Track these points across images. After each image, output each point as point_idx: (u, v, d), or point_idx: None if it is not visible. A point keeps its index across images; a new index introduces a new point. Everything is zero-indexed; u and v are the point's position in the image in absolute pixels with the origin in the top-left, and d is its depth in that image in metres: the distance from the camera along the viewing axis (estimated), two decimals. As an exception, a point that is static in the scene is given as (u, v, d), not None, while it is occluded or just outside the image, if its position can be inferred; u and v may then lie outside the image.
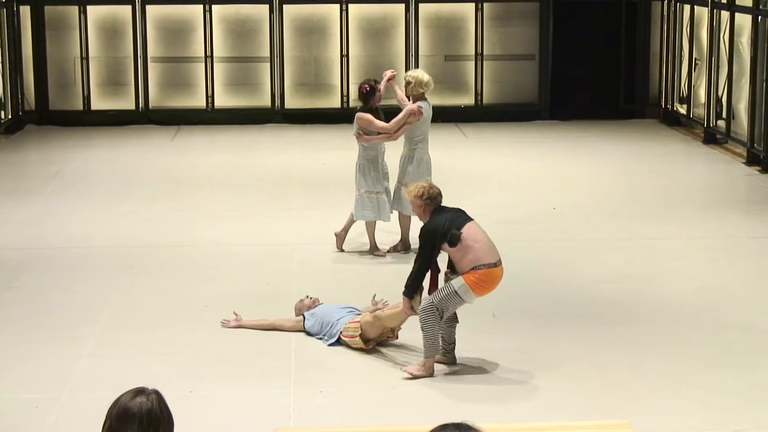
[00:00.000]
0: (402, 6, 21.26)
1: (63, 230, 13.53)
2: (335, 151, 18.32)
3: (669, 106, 21.11)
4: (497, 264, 8.84)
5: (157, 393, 4.55)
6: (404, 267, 11.91)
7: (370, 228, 12.54)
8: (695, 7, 19.83)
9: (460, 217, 8.96)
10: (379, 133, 12.29)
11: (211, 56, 21.12)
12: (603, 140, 19.46)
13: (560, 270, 11.83)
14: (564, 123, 21.11)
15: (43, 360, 9.31)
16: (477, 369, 9.09)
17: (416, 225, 12.55)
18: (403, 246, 12.59)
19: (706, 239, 13.23)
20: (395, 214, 12.60)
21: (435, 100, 14.30)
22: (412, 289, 9.01)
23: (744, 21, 17.71)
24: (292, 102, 21.41)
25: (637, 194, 15.40)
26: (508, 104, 21.69)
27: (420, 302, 8.98)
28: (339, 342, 9.47)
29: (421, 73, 12.48)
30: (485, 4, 21.37)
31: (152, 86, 21.16)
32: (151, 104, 21.20)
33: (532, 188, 15.74)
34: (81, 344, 9.60)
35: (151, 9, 21.02)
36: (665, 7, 21.11)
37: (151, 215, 14.22)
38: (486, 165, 17.51)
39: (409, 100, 12.47)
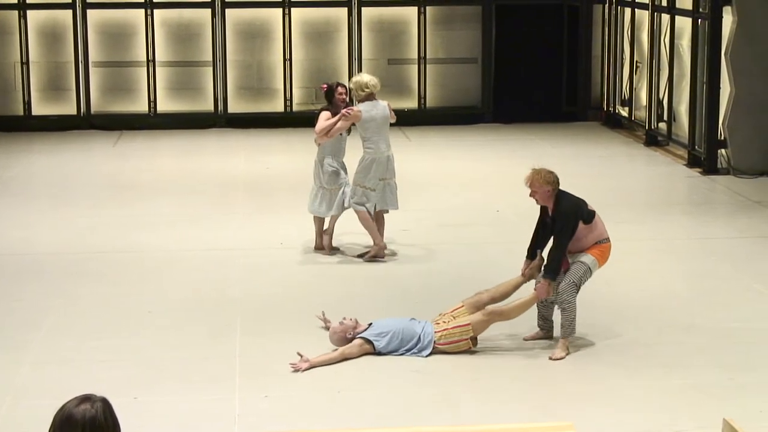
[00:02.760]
0: (345, 10, 21.27)
1: (5, 236, 13.41)
2: (279, 155, 18.30)
3: (611, 109, 21.27)
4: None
5: (104, 400, 4.50)
6: (347, 271, 11.94)
7: (324, 223, 12.53)
8: (636, 10, 20.00)
9: (579, 197, 9.57)
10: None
11: (153, 61, 21.02)
12: (546, 143, 19.56)
13: (504, 273, 11.79)
14: (507, 126, 21.20)
15: (-15, 368, 9.23)
16: (421, 372, 9.11)
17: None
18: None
19: (648, 241, 13.34)
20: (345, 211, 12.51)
21: (378, 103, 14.30)
22: (556, 271, 9.34)
23: (684, 24, 17.88)
24: (235, 106, 21.34)
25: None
26: (451, 107, 21.76)
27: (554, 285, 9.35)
28: (433, 351, 9.43)
29: (361, 76, 12.45)
30: (428, 8, 21.44)
31: (94, 91, 21.02)
32: (92, 109, 21.05)
33: (476, 191, 15.79)
34: (24, 351, 9.51)
35: (92, 13, 20.88)
36: (606, 11, 21.26)
37: (94, 221, 14.12)
38: (430, 168, 17.54)
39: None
